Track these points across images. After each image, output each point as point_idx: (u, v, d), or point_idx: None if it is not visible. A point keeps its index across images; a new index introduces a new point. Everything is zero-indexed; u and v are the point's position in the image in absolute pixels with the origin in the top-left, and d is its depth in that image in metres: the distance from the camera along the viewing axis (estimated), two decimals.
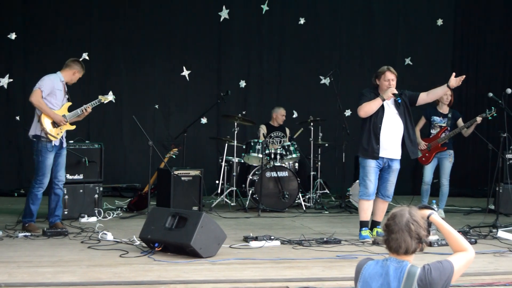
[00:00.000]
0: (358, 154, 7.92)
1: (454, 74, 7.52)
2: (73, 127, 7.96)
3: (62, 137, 7.84)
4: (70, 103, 7.93)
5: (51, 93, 7.69)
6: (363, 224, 7.69)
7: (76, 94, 8.27)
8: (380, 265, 3.48)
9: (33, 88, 7.69)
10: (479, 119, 9.42)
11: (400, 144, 7.68)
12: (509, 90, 8.78)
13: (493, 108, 9.27)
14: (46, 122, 7.62)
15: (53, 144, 7.68)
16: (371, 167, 7.60)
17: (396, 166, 7.71)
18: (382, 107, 7.58)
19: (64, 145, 7.97)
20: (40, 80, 7.72)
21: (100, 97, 8.21)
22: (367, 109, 7.55)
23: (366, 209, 7.69)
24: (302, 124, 11.44)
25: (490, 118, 9.50)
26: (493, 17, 13.89)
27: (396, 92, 7.54)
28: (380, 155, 7.57)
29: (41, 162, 7.66)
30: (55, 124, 7.67)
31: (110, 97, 8.38)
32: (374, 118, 7.57)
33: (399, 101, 7.57)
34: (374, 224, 7.94)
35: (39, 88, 7.62)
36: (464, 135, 9.84)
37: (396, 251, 3.43)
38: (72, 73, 7.90)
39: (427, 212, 3.57)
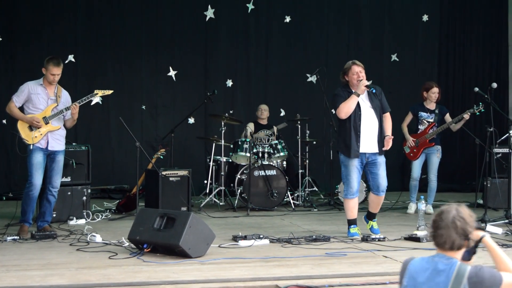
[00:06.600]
0: (338, 150, 7.85)
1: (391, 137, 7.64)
2: (56, 127, 7.88)
3: (48, 141, 7.80)
4: (54, 104, 7.90)
5: (28, 99, 7.83)
6: (351, 222, 7.66)
7: None
8: (426, 261, 3.56)
9: None
10: (466, 115, 9.46)
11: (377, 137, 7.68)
12: (494, 85, 8.85)
13: (480, 103, 9.30)
14: (20, 127, 7.78)
15: (31, 147, 7.72)
16: (354, 165, 7.55)
17: (382, 159, 7.65)
18: (358, 103, 7.53)
19: (58, 148, 7.92)
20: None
21: (96, 91, 8.22)
22: (347, 109, 7.48)
23: (352, 208, 7.67)
24: (289, 122, 11.44)
25: (478, 113, 9.55)
26: (478, 12, 13.95)
27: (368, 83, 7.54)
28: (361, 151, 7.54)
29: (27, 162, 7.79)
30: (31, 127, 7.75)
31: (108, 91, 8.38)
32: (352, 116, 7.51)
33: (374, 91, 7.57)
34: (370, 215, 7.93)
35: (12, 98, 7.86)
36: (453, 130, 9.88)
37: (441, 246, 3.50)
38: (46, 73, 7.87)
39: (480, 234, 3.59)
